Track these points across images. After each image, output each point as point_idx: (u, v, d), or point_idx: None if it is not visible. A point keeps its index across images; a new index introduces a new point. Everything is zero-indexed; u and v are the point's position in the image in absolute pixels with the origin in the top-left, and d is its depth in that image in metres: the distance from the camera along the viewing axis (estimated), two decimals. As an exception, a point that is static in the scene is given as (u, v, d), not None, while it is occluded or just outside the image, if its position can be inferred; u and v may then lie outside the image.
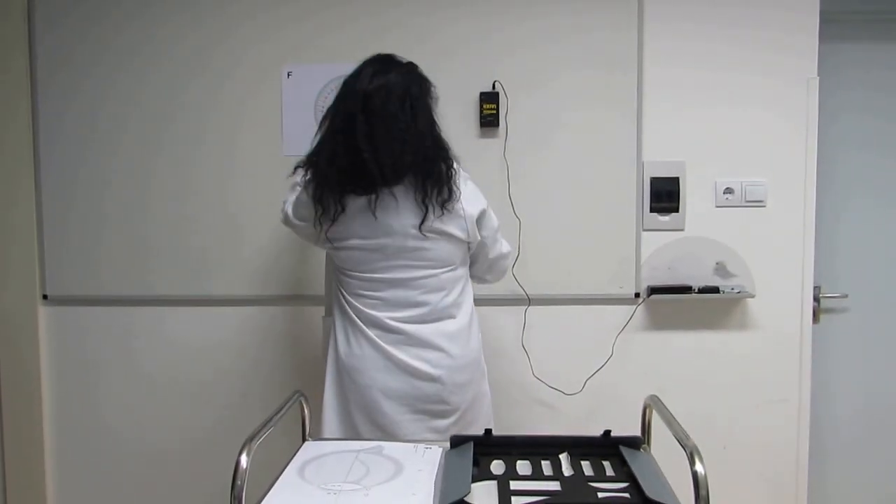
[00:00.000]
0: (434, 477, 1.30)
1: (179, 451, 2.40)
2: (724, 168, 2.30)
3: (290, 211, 1.85)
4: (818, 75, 2.28)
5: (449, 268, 1.78)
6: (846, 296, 2.51)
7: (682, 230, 2.32)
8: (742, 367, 2.35)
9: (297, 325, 2.36)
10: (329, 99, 1.81)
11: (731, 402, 2.36)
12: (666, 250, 2.32)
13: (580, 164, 2.29)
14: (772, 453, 2.36)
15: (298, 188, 1.80)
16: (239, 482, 1.14)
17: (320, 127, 1.75)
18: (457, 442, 1.43)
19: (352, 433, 1.77)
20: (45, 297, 2.36)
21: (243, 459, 1.16)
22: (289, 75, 2.28)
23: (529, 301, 2.27)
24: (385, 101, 1.66)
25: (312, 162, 1.74)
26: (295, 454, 1.42)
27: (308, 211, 1.77)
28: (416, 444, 1.46)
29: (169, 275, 2.34)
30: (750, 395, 2.35)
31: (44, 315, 2.38)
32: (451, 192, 1.71)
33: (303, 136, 2.27)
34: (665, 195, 2.31)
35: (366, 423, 1.76)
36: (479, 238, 1.81)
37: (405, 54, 2.25)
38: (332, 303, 1.86)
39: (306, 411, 1.53)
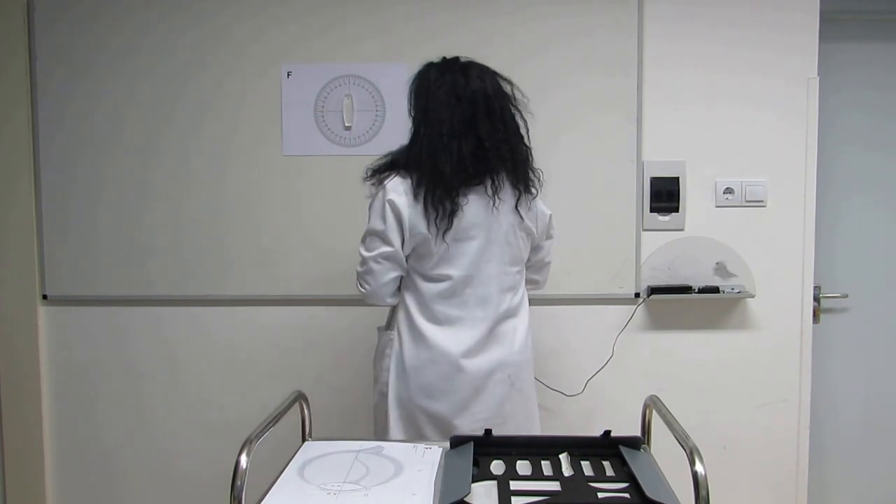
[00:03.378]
0: (434, 477, 1.30)
1: (179, 451, 2.40)
2: (724, 168, 2.31)
3: (372, 246, 1.75)
4: (818, 75, 2.28)
5: (519, 266, 1.84)
6: (846, 296, 2.51)
7: (682, 230, 2.32)
8: (742, 367, 2.35)
9: (296, 325, 2.36)
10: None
11: (731, 402, 2.36)
12: (666, 250, 2.32)
13: (580, 164, 2.29)
14: (772, 453, 2.36)
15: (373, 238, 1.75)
16: (239, 482, 1.14)
17: (423, 131, 1.72)
18: (457, 442, 1.43)
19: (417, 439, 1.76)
20: (44, 296, 2.36)
21: (243, 459, 1.16)
22: (288, 75, 2.28)
23: (530, 302, 2.26)
24: (503, 102, 1.74)
25: (418, 165, 1.71)
26: (295, 454, 1.42)
27: (410, 218, 1.71)
28: (415, 444, 1.46)
29: (168, 275, 2.34)
30: (750, 395, 2.35)
31: (43, 315, 2.38)
32: (531, 180, 1.79)
33: (303, 135, 2.29)
34: (665, 195, 2.31)
35: (431, 428, 1.76)
36: (545, 239, 1.91)
37: (405, 55, 2.27)
38: (396, 314, 1.82)
39: (306, 411, 1.53)
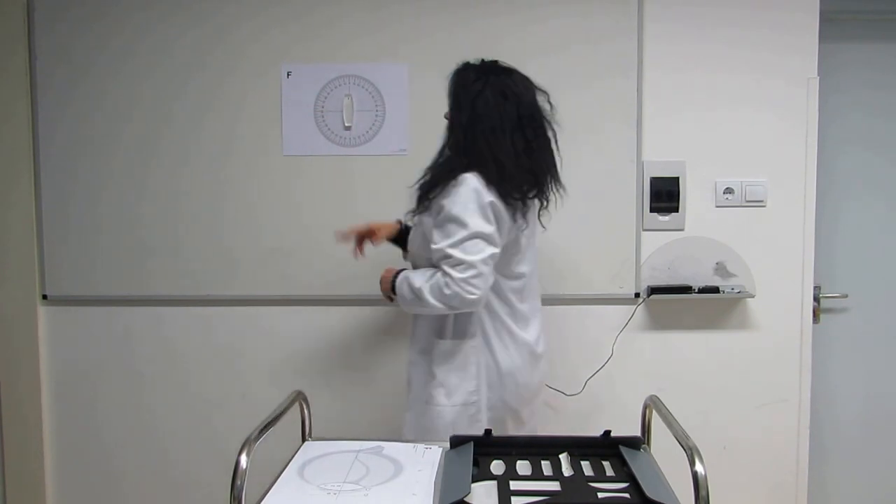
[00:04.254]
0: (434, 477, 1.30)
1: (179, 451, 2.40)
2: (724, 168, 2.30)
3: (476, 248, 1.69)
4: (818, 75, 2.28)
5: None
6: (846, 296, 2.51)
7: (682, 230, 2.32)
8: (742, 367, 2.35)
9: (296, 325, 2.36)
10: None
11: (731, 402, 2.36)
12: (666, 250, 2.32)
13: (580, 164, 2.28)
14: (772, 453, 2.36)
15: (467, 231, 1.68)
16: (239, 482, 1.14)
17: (472, 128, 1.73)
18: (457, 442, 1.43)
19: None
20: (44, 297, 2.36)
21: (243, 459, 1.16)
22: (288, 75, 2.28)
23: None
24: (539, 112, 1.80)
25: (483, 163, 1.71)
26: (295, 454, 1.42)
27: (508, 217, 1.73)
28: (415, 444, 1.46)
29: (168, 275, 2.34)
30: (750, 395, 2.35)
31: (43, 315, 2.38)
32: (556, 193, 1.89)
33: (303, 135, 2.29)
34: (665, 195, 2.31)
35: (517, 427, 1.83)
36: None
37: (405, 55, 2.27)
38: (478, 319, 1.80)
39: (306, 411, 1.53)
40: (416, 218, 1.83)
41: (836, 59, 2.41)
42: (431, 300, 1.71)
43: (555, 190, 1.85)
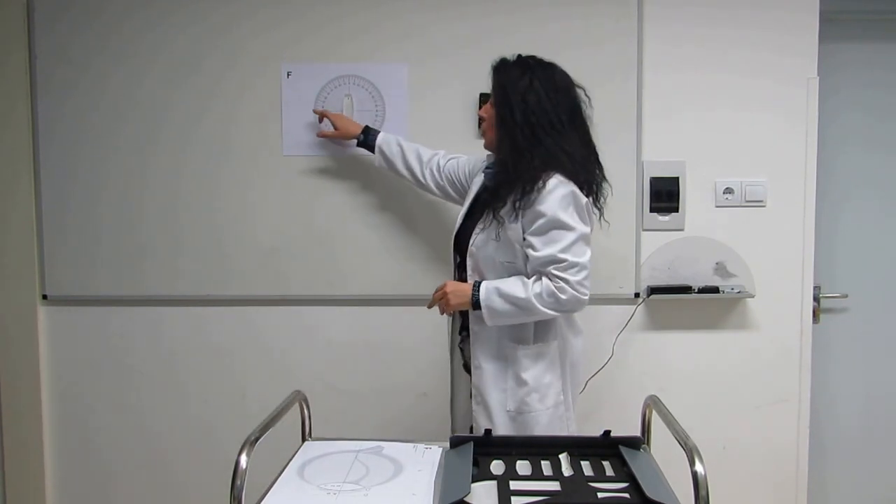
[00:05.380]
0: (434, 477, 1.30)
1: (179, 451, 2.39)
2: (724, 168, 2.30)
3: (582, 250, 1.71)
4: (818, 75, 2.28)
5: None
6: (846, 296, 2.51)
7: (681, 230, 2.32)
8: (742, 368, 2.35)
9: (296, 325, 2.36)
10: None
11: (731, 402, 2.35)
12: (666, 250, 2.32)
13: (580, 164, 2.29)
14: (772, 453, 2.36)
15: (573, 232, 1.69)
16: (238, 482, 1.14)
17: (530, 124, 1.70)
18: (457, 442, 1.43)
19: None
20: (44, 297, 2.36)
21: (243, 459, 1.17)
22: (288, 75, 2.28)
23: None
24: (580, 105, 1.81)
25: (560, 157, 1.71)
26: (295, 454, 1.42)
27: (590, 213, 1.78)
28: (415, 444, 1.46)
29: (168, 275, 2.33)
30: (750, 395, 2.35)
31: (43, 315, 2.38)
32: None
33: (303, 135, 2.28)
34: (665, 195, 2.31)
35: (575, 417, 1.90)
36: None
37: (405, 53, 2.27)
38: (556, 321, 1.80)
39: (306, 411, 1.53)
40: (486, 227, 1.76)
41: (836, 59, 2.41)
42: (542, 308, 1.69)
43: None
